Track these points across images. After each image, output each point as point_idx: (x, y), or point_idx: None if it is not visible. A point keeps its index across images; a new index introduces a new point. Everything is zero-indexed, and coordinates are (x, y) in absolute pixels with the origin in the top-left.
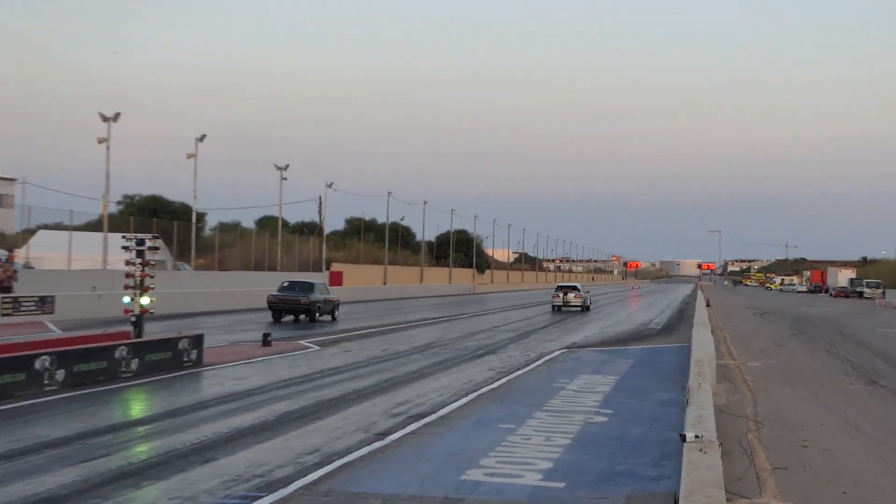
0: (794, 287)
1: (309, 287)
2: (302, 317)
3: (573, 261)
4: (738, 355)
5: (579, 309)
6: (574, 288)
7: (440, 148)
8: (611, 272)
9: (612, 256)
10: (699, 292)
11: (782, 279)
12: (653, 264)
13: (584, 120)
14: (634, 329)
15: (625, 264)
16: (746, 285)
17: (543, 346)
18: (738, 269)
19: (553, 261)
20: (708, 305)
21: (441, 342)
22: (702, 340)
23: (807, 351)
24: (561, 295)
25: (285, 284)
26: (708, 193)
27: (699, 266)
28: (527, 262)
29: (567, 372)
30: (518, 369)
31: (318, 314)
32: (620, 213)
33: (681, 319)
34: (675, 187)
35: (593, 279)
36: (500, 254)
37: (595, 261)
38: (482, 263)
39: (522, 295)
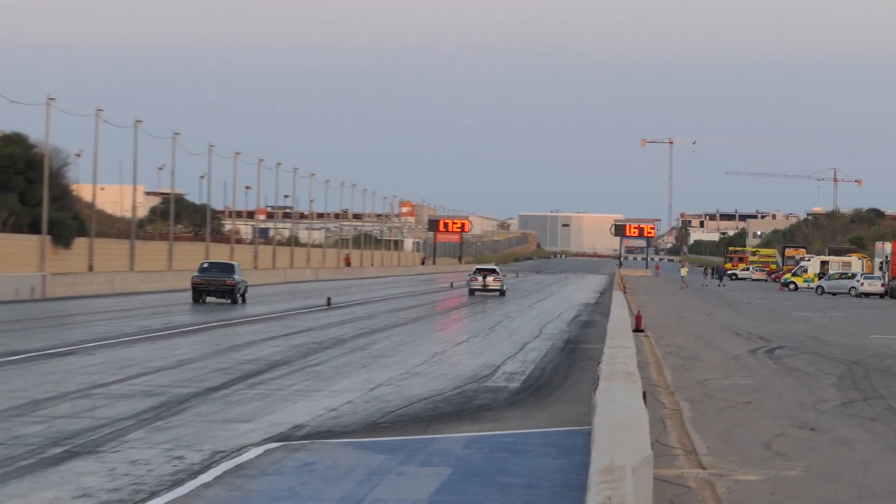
0: (856, 281)
1: (230, 268)
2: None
3: (305, 217)
4: (712, 455)
5: (498, 293)
6: (493, 271)
7: None
8: (397, 244)
9: (402, 206)
10: (617, 294)
11: (825, 262)
12: (503, 224)
13: None
14: (454, 389)
15: (431, 225)
16: (736, 276)
17: (219, 435)
18: (713, 236)
19: (252, 214)
20: (639, 329)
21: None
22: (619, 418)
23: (879, 441)
24: (480, 278)
25: (205, 266)
26: (639, 45)
27: (617, 229)
28: (190, 217)
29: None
30: (154, 496)
31: (238, 295)
32: (421, 100)
33: (568, 365)
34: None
35: (348, 261)
36: (112, 195)
37: (365, 216)
38: (68, 225)
39: (169, 301)
